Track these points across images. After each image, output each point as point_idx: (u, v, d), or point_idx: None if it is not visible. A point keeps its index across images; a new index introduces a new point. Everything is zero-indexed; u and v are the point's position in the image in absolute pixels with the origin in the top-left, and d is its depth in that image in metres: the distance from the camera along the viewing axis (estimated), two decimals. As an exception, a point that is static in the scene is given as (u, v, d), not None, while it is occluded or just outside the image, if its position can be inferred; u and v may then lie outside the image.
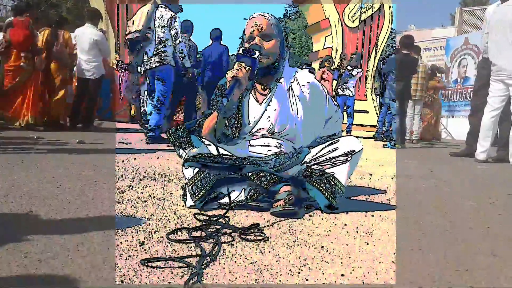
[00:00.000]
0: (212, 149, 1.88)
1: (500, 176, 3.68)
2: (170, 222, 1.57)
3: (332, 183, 1.84)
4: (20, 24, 5.85)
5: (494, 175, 3.76)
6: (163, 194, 2.06)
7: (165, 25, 4.93)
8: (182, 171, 1.92)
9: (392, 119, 8.36)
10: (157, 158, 3.53)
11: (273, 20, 2.01)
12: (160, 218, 1.60)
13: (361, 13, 13.96)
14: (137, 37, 4.87)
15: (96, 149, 4.17)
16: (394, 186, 2.64)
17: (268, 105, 1.98)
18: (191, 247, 1.29)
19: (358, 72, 9.40)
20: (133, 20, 5.01)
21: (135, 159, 3.38)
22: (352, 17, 14.02)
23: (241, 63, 1.84)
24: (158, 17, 4.96)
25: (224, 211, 1.65)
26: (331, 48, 13.81)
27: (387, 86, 7.63)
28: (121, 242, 1.29)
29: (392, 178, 3.03)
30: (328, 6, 13.85)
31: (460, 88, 13.21)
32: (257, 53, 1.87)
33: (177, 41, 4.94)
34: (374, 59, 13.97)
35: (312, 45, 16.79)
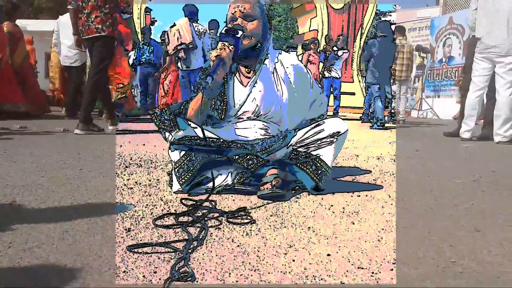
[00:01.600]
0: (199, 132, 1.87)
1: (484, 154, 3.74)
2: (156, 208, 1.56)
3: (318, 165, 1.85)
4: None
5: (479, 153, 3.81)
6: (150, 181, 2.05)
7: (198, 35, 6.14)
8: (169, 154, 1.90)
9: (375, 101, 8.42)
10: (143, 144, 3.51)
11: (255, 1, 1.99)
12: (147, 205, 1.60)
13: (346, -6, 13.88)
14: (192, 47, 5.98)
15: (80, 137, 4.11)
16: (380, 167, 2.66)
17: (253, 87, 1.97)
18: (178, 232, 1.29)
19: (344, 53, 9.40)
20: (175, 33, 6.03)
21: (120, 146, 3.36)
22: (337, -1, 13.93)
23: (224, 43, 1.82)
24: (196, 30, 6.11)
25: (212, 195, 1.65)
26: (317, 30, 13.74)
27: (367, 70, 7.69)
28: (107, 230, 1.28)
29: (378, 158, 3.05)
30: (313, -12, 13.73)
31: (446, 67, 13.29)
32: (240, 32, 1.85)
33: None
34: (360, 40, 13.95)
35: (298, 28, 16.69)
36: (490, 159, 3.39)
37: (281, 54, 2.06)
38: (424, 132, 6.65)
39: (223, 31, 1.87)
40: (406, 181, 2.20)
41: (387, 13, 28.11)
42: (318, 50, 9.34)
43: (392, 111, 8.44)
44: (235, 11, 1.94)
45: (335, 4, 13.90)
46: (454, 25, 12.95)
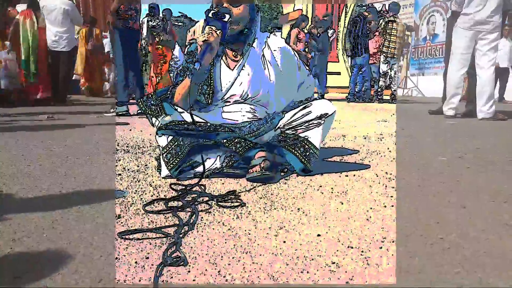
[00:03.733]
0: (186, 117, 1.86)
1: (469, 131, 3.79)
2: (146, 193, 1.56)
3: (307, 146, 1.86)
4: None
5: (463, 130, 3.87)
6: (138, 166, 2.04)
7: None
8: (156, 139, 1.89)
9: (364, 79, 8.47)
10: (130, 130, 3.48)
11: None
12: (136, 190, 1.59)
13: (330, -27, 13.76)
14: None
15: (66, 124, 4.06)
16: (367, 146, 2.69)
17: (241, 70, 1.96)
18: (168, 217, 1.29)
19: (332, 33, 9.38)
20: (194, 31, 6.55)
21: (107, 132, 3.32)
22: (321, -23, 13.81)
23: (211, 27, 1.80)
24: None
25: (199, 179, 1.65)
26: (301, 9, 13.63)
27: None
28: (97, 217, 1.28)
29: (364, 138, 3.07)
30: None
31: (430, 45, 13.35)
32: (227, 16, 1.82)
33: None
34: (345, 20, 13.89)
35: (282, 8, 16.53)
36: (474, 136, 3.44)
37: (269, 37, 2.04)
38: (409, 110, 6.70)
39: (210, 15, 1.84)
40: (392, 160, 2.23)
41: (371, -8, 27.99)
42: (306, 31, 9.26)
43: (379, 90, 8.50)
44: None
45: (319, -17, 13.79)
46: (438, 2, 12.97)
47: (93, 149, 2.55)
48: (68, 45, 6.47)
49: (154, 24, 8.29)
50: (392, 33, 8.22)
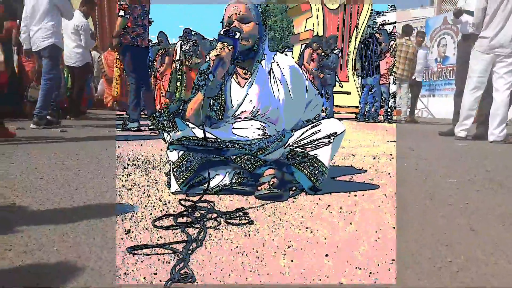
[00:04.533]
0: (197, 132, 1.89)
1: (479, 153, 3.76)
2: (155, 209, 1.57)
3: (316, 165, 1.87)
4: None
5: (473, 152, 3.84)
6: (148, 181, 2.06)
7: None
8: (167, 154, 1.92)
9: (374, 99, 8.50)
10: (141, 145, 3.51)
11: (250, 4, 2.01)
12: (146, 206, 1.61)
13: (341, -5, 13.94)
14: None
15: (79, 138, 4.12)
16: (376, 166, 2.68)
17: (250, 88, 1.99)
18: (177, 233, 1.30)
19: (339, 52, 9.47)
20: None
21: (118, 147, 3.36)
22: (332, -1, 13.99)
23: (223, 43, 1.85)
24: None
25: (210, 195, 1.66)
26: (312, 30, 13.76)
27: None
28: (107, 231, 1.29)
29: (374, 158, 3.07)
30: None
31: (440, 67, 13.37)
32: (238, 33, 1.88)
33: None
34: (355, 40, 14.00)
35: (293, 28, 16.72)
36: (484, 158, 3.42)
37: (276, 55, 2.08)
38: (419, 131, 6.68)
39: (221, 33, 1.90)
40: (401, 181, 2.22)
41: (382, 13, 28.23)
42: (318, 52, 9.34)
43: (388, 110, 8.50)
44: (231, 14, 1.96)
45: (330, 5, 13.95)
46: (449, 25, 13.02)
47: (104, 163, 2.58)
48: (80, 61, 6.57)
49: (187, 48, 9.17)
50: (402, 55, 8.27)
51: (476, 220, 1.52)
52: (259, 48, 2.01)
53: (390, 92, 8.58)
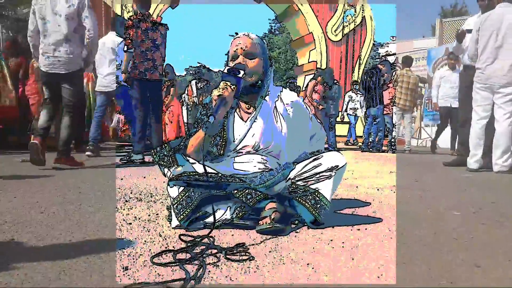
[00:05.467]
0: (197, 167, 1.88)
1: (484, 184, 3.73)
2: (155, 244, 1.56)
3: (317, 198, 1.85)
4: None
5: (478, 183, 3.80)
6: (149, 215, 2.05)
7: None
8: (167, 190, 1.91)
9: (378, 129, 8.52)
10: (144, 177, 3.51)
11: (257, 39, 2.04)
12: (145, 241, 1.59)
13: (343, 27, 14.19)
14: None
15: (81, 169, 4.12)
16: (379, 198, 2.66)
17: (253, 122, 2.00)
18: (176, 270, 1.28)
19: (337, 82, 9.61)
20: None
21: (121, 179, 3.36)
22: (335, 31, 14.24)
23: (226, 82, 1.87)
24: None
25: (209, 230, 1.65)
26: (316, 62, 13.95)
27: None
28: (104, 269, 1.28)
29: (378, 189, 3.05)
30: (311, 21, 14.02)
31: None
32: (242, 72, 1.89)
33: None
34: (358, 71, 14.15)
35: (297, 59, 16.96)
36: (489, 190, 3.38)
37: (282, 92, 2.10)
38: (423, 161, 6.65)
39: (225, 71, 1.91)
40: (405, 214, 2.20)
41: (384, 44, 28.65)
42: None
43: (392, 140, 8.50)
44: (236, 49, 1.99)
45: (333, 36, 14.18)
46: (451, 56, 13.14)
47: (106, 196, 2.57)
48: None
49: (200, 86, 10.40)
50: (404, 86, 8.35)
51: (482, 256, 1.49)
52: (263, 84, 2.03)
53: (394, 122, 8.60)
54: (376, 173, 4.41)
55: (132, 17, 4.95)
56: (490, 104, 4.62)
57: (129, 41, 4.83)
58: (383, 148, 8.77)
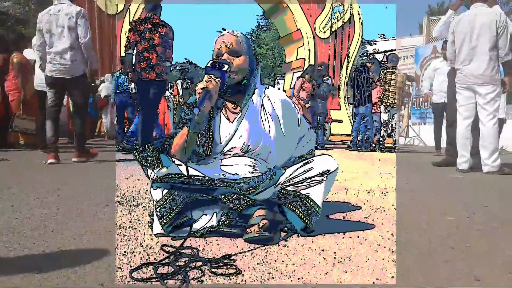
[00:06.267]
0: (183, 169, 1.77)
1: (475, 186, 3.68)
2: (135, 255, 1.45)
3: (308, 204, 1.77)
4: None
5: (468, 185, 3.76)
6: (130, 222, 1.94)
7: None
8: (150, 193, 1.80)
9: (366, 128, 8.49)
10: (127, 178, 3.39)
11: (242, 37, 1.94)
12: (125, 252, 1.49)
13: (332, 24, 14.13)
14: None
15: (62, 169, 3.99)
16: (370, 202, 2.59)
17: (240, 123, 1.91)
18: (157, 285, 1.18)
19: (328, 78, 9.55)
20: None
21: (103, 180, 3.24)
22: (323, 28, 14.17)
23: (210, 75, 1.76)
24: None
25: (195, 239, 1.55)
26: (304, 59, 13.88)
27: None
28: (78, 284, 1.17)
29: (368, 192, 2.98)
30: (299, 18, 13.94)
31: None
32: (226, 66, 1.79)
33: None
34: (346, 68, 14.13)
35: (285, 56, 16.88)
36: (481, 192, 3.34)
37: (268, 89, 2.01)
38: (411, 161, 6.63)
39: (208, 65, 1.81)
40: (398, 219, 2.12)
41: (372, 42, 28.72)
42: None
43: (381, 139, 8.48)
44: (220, 46, 1.89)
45: (321, 34, 14.12)
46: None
47: (85, 199, 2.45)
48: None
49: (185, 86, 10.75)
50: (392, 84, 8.31)
51: (480, 267, 1.42)
52: (249, 82, 1.93)
53: (382, 121, 8.58)
54: (365, 173, 4.35)
55: (132, 22, 5.34)
56: (472, 104, 4.61)
57: (127, 43, 5.17)
58: (372, 146, 8.75)
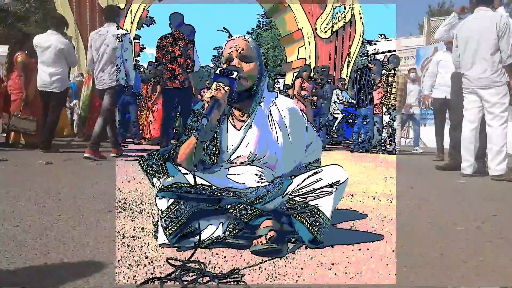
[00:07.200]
0: (190, 178, 1.72)
1: (481, 192, 3.65)
2: (140, 268, 1.41)
3: (317, 216, 1.72)
4: None
5: (475, 190, 3.72)
6: (134, 230, 1.90)
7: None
8: (156, 202, 1.75)
9: (368, 130, 8.45)
10: (129, 181, 3.35)
11: (253, 42, 1.90)
12: (129, 265, 1.44)
13: (333, 24, 14.09)
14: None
15: (63, 172, 3.94)
16: (377, 209, 2.54)
17: (247, 131, 1.86)
18: (164, 305, 1.14)
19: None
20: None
21: (105, 183, 3.20)
22: (324, 28, 14.13)
23: (219, 83, 1.72)
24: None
25: (202, 250, 1.50)
26: (304, 59, 13.84)
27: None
28: (82, 303, 1.13)
29: (374, 198, 2.93)
30: (300, 18, 13.90)
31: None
32: (235, 73, 1.75)
33: None
34: (347, 69, 14.09)
35: (286, 56, 16.83)
36: (488, 199, 3.29)
37: (277, 98, 1.97)
38: (414, 164, 6.58)
39: (217, 72, 1.77)
40: (406, 229, 2.08)
41: (372, 42, 28.70)
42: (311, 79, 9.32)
43: (382, 140, 8.44)
44: (231, 51, 1.85)
45: (322, 34, 14.08)
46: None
47: (87, 205, 2.41)
48: (60, 86, 5.89)
49: None
50: (393, 86, 8.26)
51: (496, 283, 1.38)
52: (258, 90, 1.89)
53: (384, 122, 8.53)
54: (369, 177, 4.31)
55: (158, 39, 5.81)
56: (478, 108, 4.58)
57: (156, 59, 5.93)
58: (373, 148, 8.72)
